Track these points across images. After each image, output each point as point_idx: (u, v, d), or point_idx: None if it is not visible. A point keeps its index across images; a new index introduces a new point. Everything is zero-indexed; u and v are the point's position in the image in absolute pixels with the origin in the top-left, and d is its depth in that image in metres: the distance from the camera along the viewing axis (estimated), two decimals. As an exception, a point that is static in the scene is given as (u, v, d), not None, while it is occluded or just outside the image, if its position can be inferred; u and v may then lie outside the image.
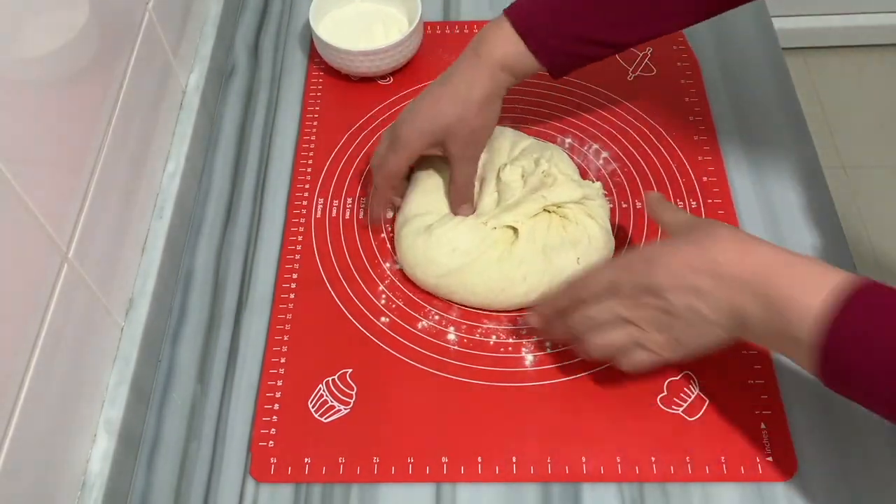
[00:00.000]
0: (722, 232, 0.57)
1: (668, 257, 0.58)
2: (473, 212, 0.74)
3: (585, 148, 0.82)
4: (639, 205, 0.78)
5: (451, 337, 0.70)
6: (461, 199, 0.73)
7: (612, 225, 0.75)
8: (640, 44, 0.71)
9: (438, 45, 0.91)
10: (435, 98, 0.71)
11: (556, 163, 0.74)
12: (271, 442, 0.65)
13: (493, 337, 0.70)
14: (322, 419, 0.66)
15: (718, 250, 0.56)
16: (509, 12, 0.69)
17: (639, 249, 0.61)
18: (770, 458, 0.63)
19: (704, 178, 0.79)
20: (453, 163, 0.72)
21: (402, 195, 0.77)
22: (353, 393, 0.68)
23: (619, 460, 0.64)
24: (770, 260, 0.54)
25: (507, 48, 0.68)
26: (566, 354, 0.69)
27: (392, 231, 0.77)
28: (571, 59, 0.70)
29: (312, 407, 0.67)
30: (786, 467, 0.63)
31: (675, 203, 0.78)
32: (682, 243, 0.58)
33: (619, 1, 0.66)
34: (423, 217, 0.73)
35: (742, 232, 0.58)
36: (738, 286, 0.54)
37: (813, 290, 0.51)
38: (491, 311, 0.71)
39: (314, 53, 0.91)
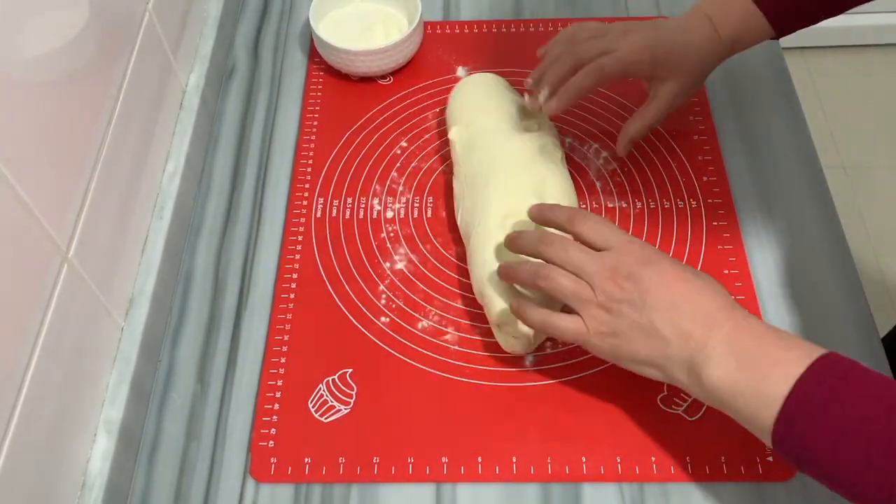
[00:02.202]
0: (719, 285, 0.58)
1: (669, 265, 0.58)
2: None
3: (585, 148, 0.82)
4: (639, 205, 0.78)
5: (451, 337, 0.70)
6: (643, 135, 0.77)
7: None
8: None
9: (438, 45, 0.91)
10: (679, 37, 0.73)
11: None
12: (271, 442, 0.65)
13: (494, 337, 0.70)
14: (322, 419, 0.66)
15: (718, 298, 0.56)
16: None
17: (649, 245, 0.61)
18: (770, 458, 0.63)
19: (704, 178, 0.79)
20: (658, 102, 0.75)
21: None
22: (353, 393, 0.68)
23: (619, 460, 0.64)
24: (761, 326, 0.55)
25: (743, 17, 0.72)
26: (566, 354, 0.69)
27: (392, 231, 0.77)
28: (801, 21, 0.73)
29: (312, 407, 0.67)
30: (786, 467, 0.63)
31: (676, 204, 0.78)
32: (688, 270, 0.59)
33: None
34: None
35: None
36: (722, 335, 0.54)
37: (792, 365, 0.51)
38: None
39: (314, 53, 0.91)
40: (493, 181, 0.72)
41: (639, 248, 0.59)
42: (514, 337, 0.66)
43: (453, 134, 0.78)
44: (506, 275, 0.64)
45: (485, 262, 0.67)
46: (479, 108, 0.79)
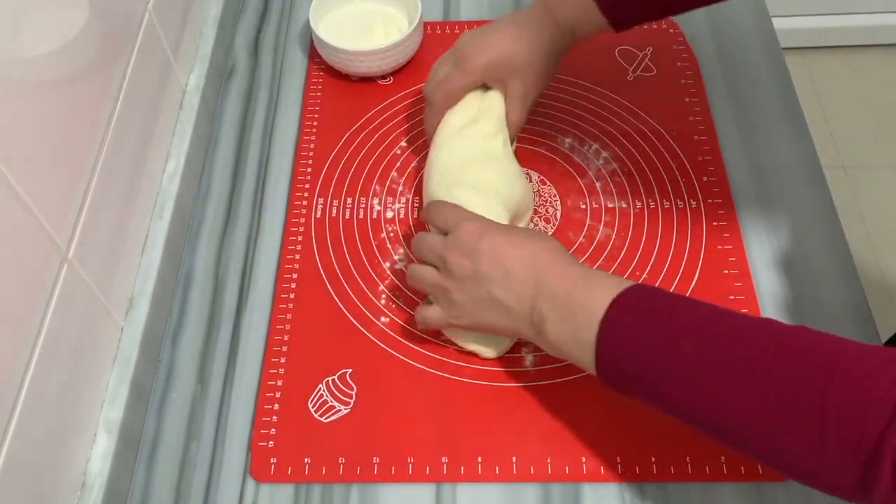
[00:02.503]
0: (552, 242, 0.62)
1: (500, 233, 0.61)
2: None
3: (585, 148, 0.82)
4: (639, 205, 0.78)
5: (451, 337, 0.70)
6: (513, 137, 0.76)
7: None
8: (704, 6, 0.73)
9: (438, 45, 0.91)
10: (509, 37, 0.73)
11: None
12: (271, 442, 0.65)
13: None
14: (322, 419, 0.66)
15: (544, 255, 0.60)
16: None
17: (483, 218, 0.64)
18: (770, 458, 0.63)
19: (704, 178, 0.79)
20: (512, 102, 0.74)
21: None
22: (353, 393, 0.68)
23: (619, 460, 0.64)
24: (578, 274, 0.58)
25: (577, 7, 0.72)
26: (566, 354, 0.69)
27: (392, 231, 0.77)
28: (636, 17, 0.73)
29: (312, 407, 0.67)
30: (786, 467, 0.63)
31: (676, 204, 0.78)
32: (520, 234, 0.62)
33: None
34: None
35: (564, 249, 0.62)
36: (548, 291, 0.58)
37: (601, 298, 0.55)
38: None
39: (314, 53, 0.91)
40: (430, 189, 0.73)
41: (472, 223, 0.62)
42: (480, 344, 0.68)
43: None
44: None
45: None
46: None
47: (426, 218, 0.67)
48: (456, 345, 0.69)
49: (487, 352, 0.68)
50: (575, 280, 0.58)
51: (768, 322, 0.52)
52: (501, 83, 0.74)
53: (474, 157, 0.72)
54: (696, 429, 0.54)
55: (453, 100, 0.75)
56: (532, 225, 0.76)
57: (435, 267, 0.64)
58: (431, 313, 0.64)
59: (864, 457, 0.44)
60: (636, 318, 0.54)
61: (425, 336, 0.70)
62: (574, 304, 0.57)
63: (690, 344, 0.52)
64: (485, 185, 0.70)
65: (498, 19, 0.76)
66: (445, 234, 0.63)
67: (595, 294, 0.56)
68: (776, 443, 0.48)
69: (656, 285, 0.69)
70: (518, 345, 0.69)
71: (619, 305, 0.55)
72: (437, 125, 0.76)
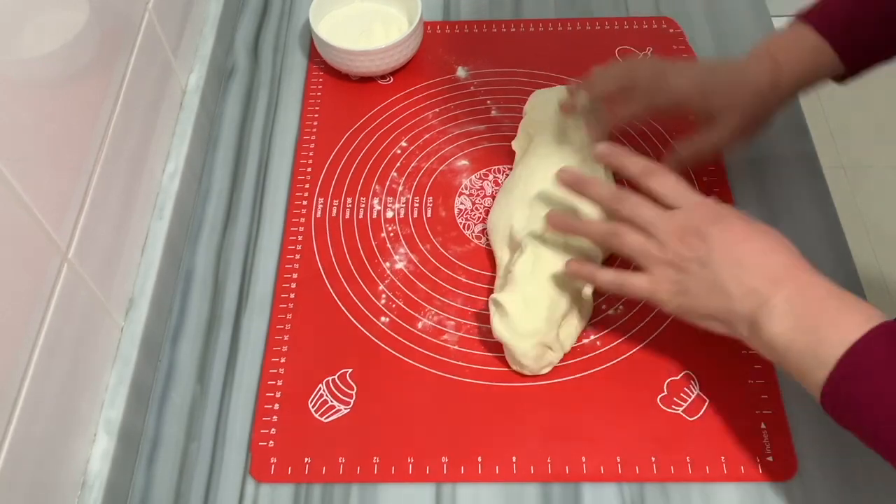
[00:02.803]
0: (787, 242, 0.60)
1: (737, 223, 0.60)
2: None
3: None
4: (639, 205, 0.78)
5: (451, 337, 0.70)
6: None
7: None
8: None
9: (438, 45, 0.91)
10: (734, 82, 0.71)
11: None
12: (271, 442, 0.65)
13: (494, 337, 0.70)
14: (322, 419, 0.66)
15: (784, 256, 0.58)
16: (806, 17, 0.71)
17: (721, 204, 0.62)
18: (770, 458, 0.63)
19: (704, 178, 0.79)
20: (719, 131, 0.72)
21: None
22: (353, 393, 0.68)
23: (619, 460, 0.64)
24: (829, 289, 0.56)
25: (805, 56, 0.70)
26: (566, 354, 0.69)
27: (392, 231, 0.77)
28: (872, 59, 0.71)
29: (312, 407, 0.67)
30: (786, 467, 0.63)
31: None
32: (755, 226, 0.60)
33: None
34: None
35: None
36: (786, 292, 0.56)
37: (855, 324, 0.53)
38: None
39: (314, 53, 0.91)
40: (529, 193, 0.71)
41: (708, 207, 0.61)
42: (515, 361, 0.67)
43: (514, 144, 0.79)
44: (571, 227, 0.65)
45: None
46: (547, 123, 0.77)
47: (645, 181, 0.63)
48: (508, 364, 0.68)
49: (531, 365, 0.66)
50: (824, 292, 0.56)
51: None
52: (714, 115, 0.72)
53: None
54: None
55: (659, 101, 0.72)
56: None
57: (644, 235, 0.61)
58: (642, 283, 0.61)
59: None
60: (889, 355, 0.51)
61: (425, 336, 0.70)
62: (820, 314, 0.54)
63: None
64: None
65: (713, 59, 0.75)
66: (665, 206, 0.61)
67: (850, 317, 0.54)
68: None
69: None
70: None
71: (874, 338, 0.52)
72: (607, 133, 0.74)
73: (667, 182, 0.63)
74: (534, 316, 0.65)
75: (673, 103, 0.73)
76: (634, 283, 0.62)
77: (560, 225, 0.66)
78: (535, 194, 0.71)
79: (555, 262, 0.66)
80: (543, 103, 0.79)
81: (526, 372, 0.67)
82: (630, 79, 0.73)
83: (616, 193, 0.63)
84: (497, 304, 0.66)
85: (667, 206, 0.62)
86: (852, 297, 0.56)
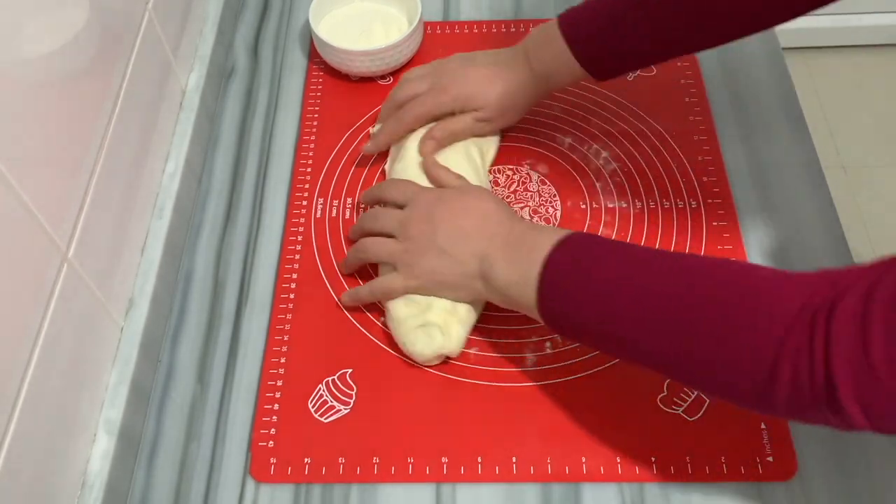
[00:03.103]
0: (500, 202, 0.68)
1: (456, 199, 0.68)
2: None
3: (585, 148, 0.82)
4: (639, 205, 0.78)
5: (451, 337, 0.70)
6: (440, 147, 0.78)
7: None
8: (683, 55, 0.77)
9: (438, 45, 0.91)
10: (487, 75, 0.76)
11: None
12: (271, 442, 0.65)
13: (493, 337, 0.70)
14: (322, 419, 0.66)
15: (497, 214, 0.66)
16: (562, 21, 0.73)
17: (437, 190, 0.70)
18: (770, 458, 0.63)
19: (704, 178, 0.79)
20: (474, 126, 0.77)
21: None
22: (353, 393, 0.68)
23: (619, 460, 0.64)
24: (527, 224, 0.65)
25: (555, 58, 0.73)
26: (566, 354, 0.69)
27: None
28: (616, 69, 0.75)
29: (312, 407, 0.67)
30: (786, 467, 0.63)
31: (675, 204, 0.78)
32: (471, 197, 0.68)
33: (665, 17, 0.69)
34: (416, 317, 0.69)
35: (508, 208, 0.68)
36: (499, 241, 0.63)
37: (547, 240, 0.60)
38: None
39: (314, 53, 0.91)
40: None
41: (430, 192, 0.69)
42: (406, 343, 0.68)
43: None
44: (341, 268, 0.74)
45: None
46: None
47: (381, 194, 0.73)
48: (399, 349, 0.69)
49: (421, 349, 0.67)
50: (524, 229, 0.64)
51: (701, 259, 0.58)
52: (467, 112, 0.77)
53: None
54: (630, 362, 0.59)
55: (421, 122, 0.77)
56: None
57: (390, 238, 0.68)
58: (392, 280, 0.67)
59: (765, 365, 0.48)
60: (577, 257, 0.59)
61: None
62: (521, 247, 0.62)
63: (627, 281, 0.56)
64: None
65: (481, 53, 0.79)
66: (400, 208, 0.69)
67: (541, 238, 0.61)
68: (699, 365, 0.53)
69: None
70: (521, 344, 0.69)
71: (562, 246, 0.60)
72: (393, 141, 0.79)
73: (396, 187, 0.72)
74: (412, 304, 0.68)
75: (436, 106, 0.77)
76: (381, 283, 0.68)
77: (343, 271, 0.74)
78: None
79: None
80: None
81: (417, 359, 0.68)
82: (396, 102, 0.79)
83: (361, 218, 0.73)
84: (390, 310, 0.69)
85: (403, 208, 0.69)
86: (548, 227, 0.65)
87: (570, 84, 0.78)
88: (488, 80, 0.76)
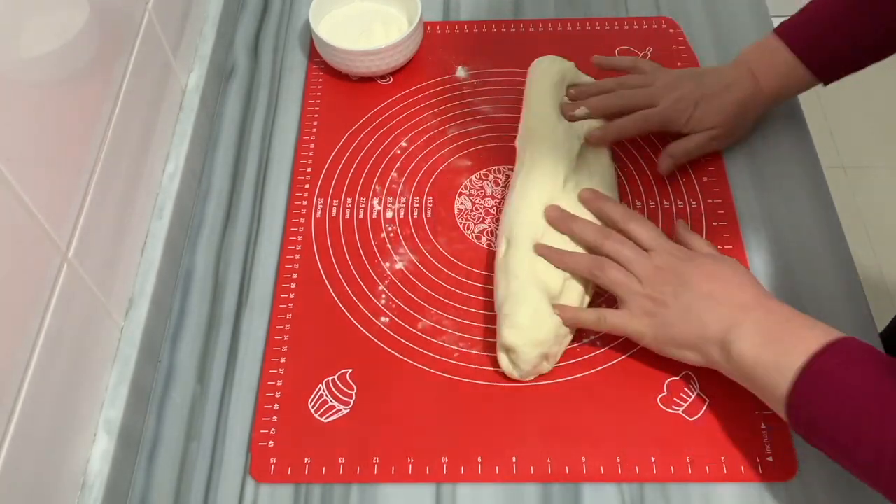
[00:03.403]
0: (751, 275, 0.65)
1: (709, 262, 0.65)
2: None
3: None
4: (639, 205, 0.78)
5: (451, 337, 0.70)
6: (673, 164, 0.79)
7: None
8: None
9: (438, 45, 0.91)
10: (719, 95, 0.76)
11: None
12: (271, 442, 0.65)
13: (493, 337, 0.70)
14: (322, 419, 0.66)
15: (750, 287, 0.63)
16: (782, 33, 0.76)
17: (683, 248, 0.67)
18: (770, 459, 0.63)
19: (704, 178, 0.79)
20: (707, 145, 0.78)
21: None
22: (353, 393, 0.68)
23: (619, 460, 0.64)
24: (792, 310, 0.61)
25: (783, 70, 0.76)
26: (566, 354, 0.69)
27: (392, 231, 0.77)
28: (846, 69, 0.76)
29: (312, 407, 0.67)
30: (786, 468, 0.63)
31: (675, 204, 0.78)
32: (723, 262, 0.65)
33: (885, 9, 0.70)
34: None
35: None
36: (754, 316, 0.60)
37: (815, 337, 0.57)
38: None
39: (314, 53, 0.91)
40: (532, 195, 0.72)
41: (681, 250, 0.67)
42: (514, 364, 0.67)
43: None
44: (559, 260, 0.68)
45: (516, 277, 0.68)
46: (543, 97, 0.80)
47: (625, 225, 0.68)
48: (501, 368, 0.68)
49: (516, 374, 0.67)
50: (790, 315, 0.60)
51: None
52: (697, 122, 0.77)
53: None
54: (866, 482, 0.55)
55: (651, 122, 0.77)
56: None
57: (623, 271, 0.66)
58: (622, 316, 0.65)
59: None
60: (847, 362, 0.55)
61: (425, 336, 0.70)
62: (787, 333, 0.58)
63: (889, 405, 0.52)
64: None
65: (708, 71, 0.79)
66: (642, 248, 0.67)
67: (813, 332, 0.58)
68: None
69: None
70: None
71: (835, 348, 0.56)
72: (610, 141, 0.78)
73: (645, 227, 0.68)
74: (543, 327, 0.66)
75: (662, 125, 0.78)
76: (614, 318, 0.66)
77: (547, 256, 0.69)
78: (532, 203, 0.72)
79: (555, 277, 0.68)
80: (542, 75, 0.81)
81: (515, 375, 0.67)
82: (624, 100, 0.78)
83: (599, 231, 0.68)
84: (507, 315, 0.66)
85: (644, 249, 0.67)
86: (813, 319, 0.60)
87: (798, 94, 0.79)
88: (724, 104, 0.76)
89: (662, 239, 0.68)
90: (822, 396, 0.55)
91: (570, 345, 0.69)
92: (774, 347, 0.58)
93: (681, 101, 0.76)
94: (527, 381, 0.67)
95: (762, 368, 0.58)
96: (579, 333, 0.70)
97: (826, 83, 0.77)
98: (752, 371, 0.59)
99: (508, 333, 0.65)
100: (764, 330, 0.59)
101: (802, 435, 0.58)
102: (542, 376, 0.68)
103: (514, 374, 0.67)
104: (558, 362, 0.68)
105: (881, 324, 0.76)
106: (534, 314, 0.66)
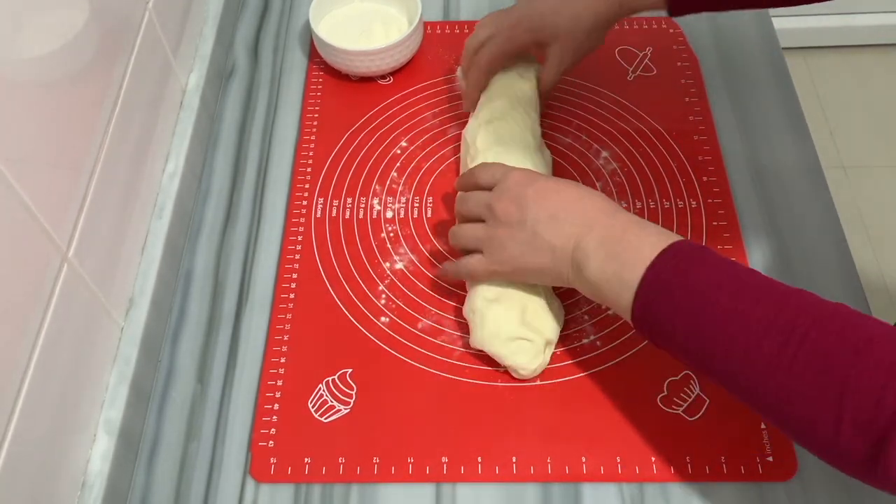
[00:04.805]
0: (598, 192, 0.65)
1: (547, 181, 0.65)
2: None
3: (585, 148, 0.82)
4: (639, 205, 0.78)
5: (451, 337, 0.70)
6: (545, 96, 0.80)
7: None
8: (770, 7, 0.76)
9: (438, 45, 0.91)
10: (553, 5, 0.75)
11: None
12: (271, 442, 0.65)
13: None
14: (322, 419, 0.66)
15: (593, 200, 0.63)
16: None
17: (532, 171, 0.67)
18: (770, 458, 0.63)
19: (704, 178, 0.79)
20: (549, 67, 0.78)
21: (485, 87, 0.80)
22: (353, 393, 0.68)
23: (619, 460, 0.64)
24: (629, 219, 0.61)
25: None
26: (566, 354, 0.69)
27: (392, 231, 0.77)
28: (693, 4, 0.73)
29: (312, 407, 0.67)
30: (786, 467, 0.63)
31: (676, 204, 0.78)
32: (566, 182, 0.65)
33: None
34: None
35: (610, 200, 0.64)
36: (598, 231, 0.60)
37: (652, 245, 0.58)
38: None
39: (314, 53, 0.91)
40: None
41: (519, 173, 0.66)
42: (537, 357, 0.66)
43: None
44: (440, 276, 0.72)
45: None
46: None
47: (473, 178, 0.69)
48: (498, 364, 0.68)
49: (524, 364, 0.66)
50: (627, 225, 0.60)
51: (811, 294, 0.53)
52: (545, 46, 0.77)
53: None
54: (716, 382, 0.56)
55: (498, 61, 0.78)
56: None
57: (480, 223, 0.67)
58: (474, 261, 0.66)
59: (875, 435, 0.46)
60: (682, 267, 0.56)
61: (425, 336, 0.70)
62: (625, 245, 0.59)
63: (729, 299, 0.53)
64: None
65: None
66: (490, 190, 0.67)
67: (647, 240, 0.58)
68: (795, 408, 0.50)
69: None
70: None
71: (668, 254, 0.57)
72: (481, 89, 0.79)
73: (486, 168, 0.69)
74: (505, 318, 0.66)
75: (503, 53, 0.77)
76: (465, 264, 0.67)
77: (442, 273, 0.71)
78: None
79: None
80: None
81: (527, 372, 0.67)
82: (469, 50, 0.79)
83: (457, 199, 0.70)
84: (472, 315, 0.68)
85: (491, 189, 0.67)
86: (652, 225, 0.61)
87: (644, 10, 0.76)
88: (563, 5, 0.75)
89: (502, 168, 0.67)
90: (657, 305, 0.56)
91: (570, 345, 0.69)
92: (614, 264, 0.58)
93: (511, 21, 0.76)
94: (527, 381, 0.68)
95: (606, 284, 0.59)
96: (579, 333, 0.70)
97: (671, 9, 0.73)
98: (599, 288, 0.60)
99: (551, 328, 0.67)
100: (606, 245, 0.59)
101: (648, 339, 0.59)
102: (541, 376, 0.68)
103: (530, 367, 0.66)
104: (558, 362, 0.68)
105: (881, 324, 0.76)
106: (496, 308, 0.67)
